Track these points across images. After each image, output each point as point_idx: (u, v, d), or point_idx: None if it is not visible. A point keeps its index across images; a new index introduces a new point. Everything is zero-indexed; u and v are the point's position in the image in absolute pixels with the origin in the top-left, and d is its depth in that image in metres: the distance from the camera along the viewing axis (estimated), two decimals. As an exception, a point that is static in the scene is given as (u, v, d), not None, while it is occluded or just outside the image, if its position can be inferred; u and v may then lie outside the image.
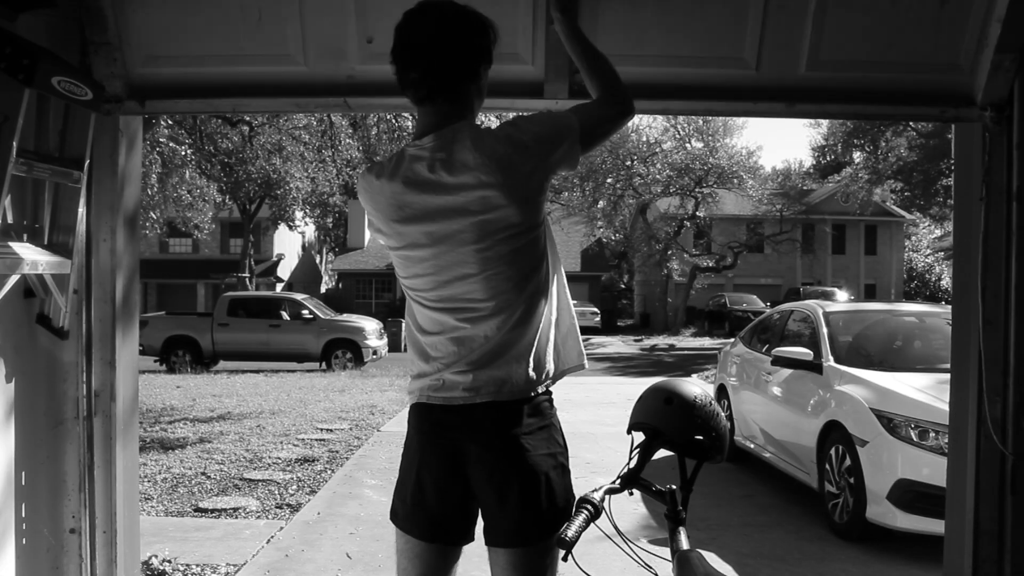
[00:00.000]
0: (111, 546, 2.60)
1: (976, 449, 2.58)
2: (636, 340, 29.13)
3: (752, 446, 6.56)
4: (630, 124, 33.32)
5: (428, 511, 1.78)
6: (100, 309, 2.59)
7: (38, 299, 2.38)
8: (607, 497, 1.57)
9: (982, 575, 2.58)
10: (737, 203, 35.91)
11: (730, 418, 6.97)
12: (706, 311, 32.78)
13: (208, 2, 2.46)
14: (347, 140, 12.52)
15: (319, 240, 48.15)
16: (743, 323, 19.23)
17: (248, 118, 12.56)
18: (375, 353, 16.83)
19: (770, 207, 34.70)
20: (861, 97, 2.60)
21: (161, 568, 3.97)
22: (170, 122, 11.72)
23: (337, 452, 7.12)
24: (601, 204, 34.63)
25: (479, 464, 1.73)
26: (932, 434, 4.40)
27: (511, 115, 2.03)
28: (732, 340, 8.27)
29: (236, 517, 5.05)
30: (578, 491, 1.61)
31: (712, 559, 3.58)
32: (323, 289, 44.28)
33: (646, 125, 34.44)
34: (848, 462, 4.78)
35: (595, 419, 9.15)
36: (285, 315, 17.23)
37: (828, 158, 46.51)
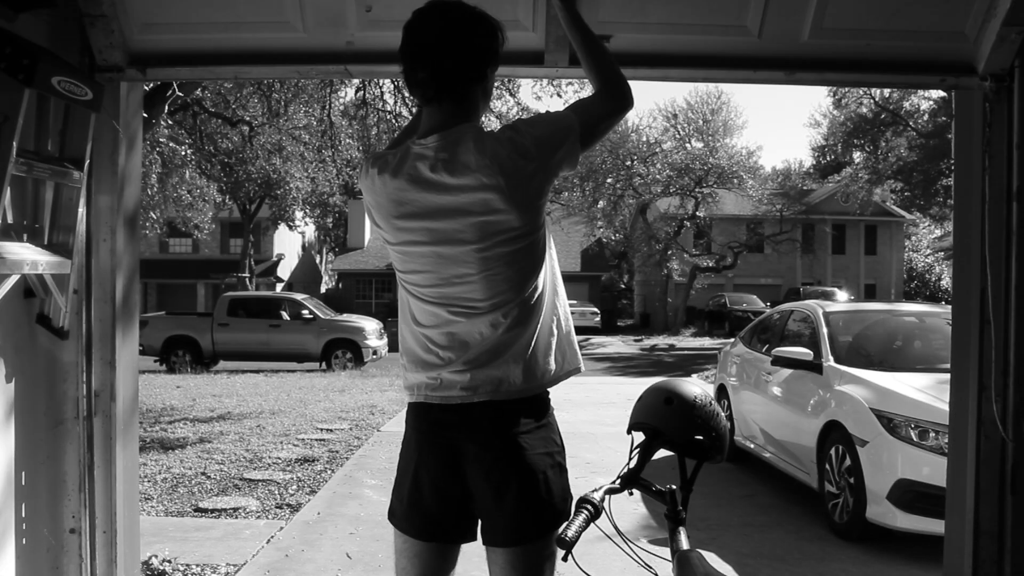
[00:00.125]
0: (111, 546, 2.60)
1: (976, 449, 2.58)
2: (636, 340, 29.13)
3: (752, 446, 6.56)
4: (630, 124, 33.40)
5: (426, 510, 1.78)
6: (100, 309, 2.59)
7: (38, 299, 2.38)
8: (607, 497, 1.57)
9: (982, 575, 2.58)
10: (737, 203, 35.91)
11: (730, 418, 6.97)
12: (706, 311, 32.77)
13: None
14: (347, 140, 12.52)
15: (319, 240, 48.16)
16: (743, 323, 19.23)
17: (248, 118, 12.56)
18: (375, 353, 16.83)
19: (770, 207, 34.71)
20: (861, 65, 2.60)
21: (161, 568, 3.97)
22: (170, 122, 11.72)
23: (337, 452, 7.12)
24: (601, 204, 34.63)
25: (477, 463, 1.73)
26: (932, 434, 4.40)
27: (512, 119, 2.02)
28: (732, 340, 8.27)
29: (236, 517, 5.05)
30: (578, 491, 1.61)
31: (712, 559, 3.58)
32: (323, 289, 44.29)
33: (646, 125, 34.49)
34: (848, 462, 4.78)
35: (595, 419, 9.15)
36: (285, 315, 17.23)
37: (828, 158, 46.51)
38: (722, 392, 7.45)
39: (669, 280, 34.50)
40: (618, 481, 1.65)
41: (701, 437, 1.72)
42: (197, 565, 4.08)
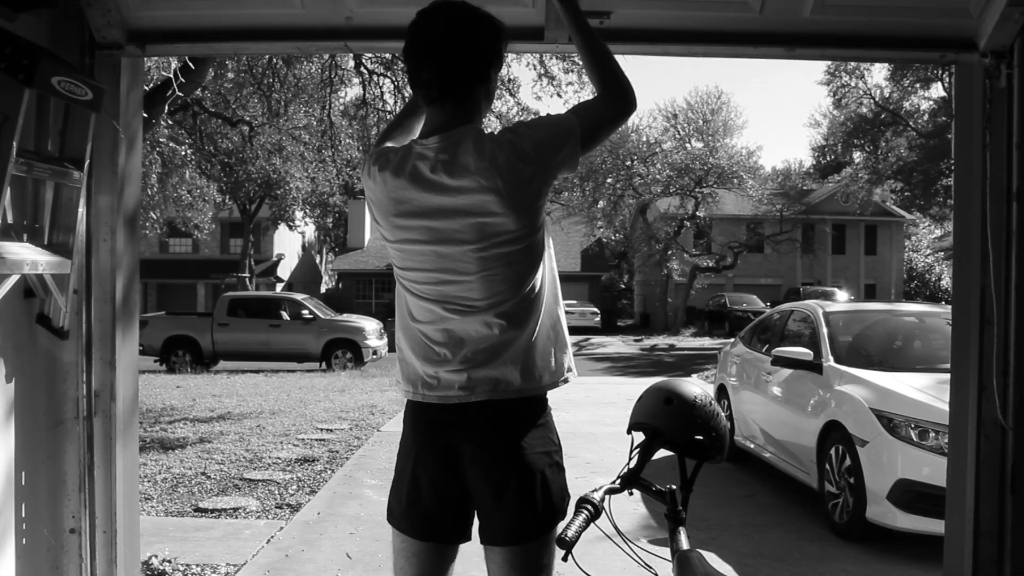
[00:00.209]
0: (111, 546, 2.60)
1: (976, 449, 2.58)
2: (636, 340, 29.13)
3: (752, 446, 6.56)
4: (630, 124, 33.36)
5: (423, 510, 1.78)
6: (100, 309, 2.59)
7: (38, 299, 2.38)
8: (607, 497, 1.57)
9: (982, 575, 2.59)
10: (737, 203, 35.92)
11: (730, 418, 6.97)
12: (706, 311, 32.77)
13: None
14: (347, 140, 12.53)
15: (319, 240, 48.17)
16: (743, 323, 19.23)
17: (248, 118, 12.56)
18: (375, 353, 16.83)
19: (770, 207, 34.72)
20: (863, 41, 2.60)
21: (161, 568, 3.97)
22: (170, 122, 11.71)
23: (337, 452, 7.12)
24: (601, 204, 34.64)
25: (474, 462, 1.73)
26: (932, 434, 4.40)
27: (512, 119, 2.01)
28: (732, 340, 8.27)
29: (236, 517, 5.05)
30: (578, 491, 1.61)
31: (712, 559, 3.58)
32: (323, 289, 44.30)
33: (646, 125, 34.48)
34: (848, 462, 4.78)
35: (595, 419, 9.15)
36: (285, 315, 17.23)
37: (828, 158, 46.52)
38: (722, 392, 7.45)
39: (669, 280, 34.50)
40: (618, 481, 1.65)
41: (701, 437, 1.72)
42: (197, 565, 4.08)
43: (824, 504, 5.07)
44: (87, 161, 2.36)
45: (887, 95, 31.83)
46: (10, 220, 2.20)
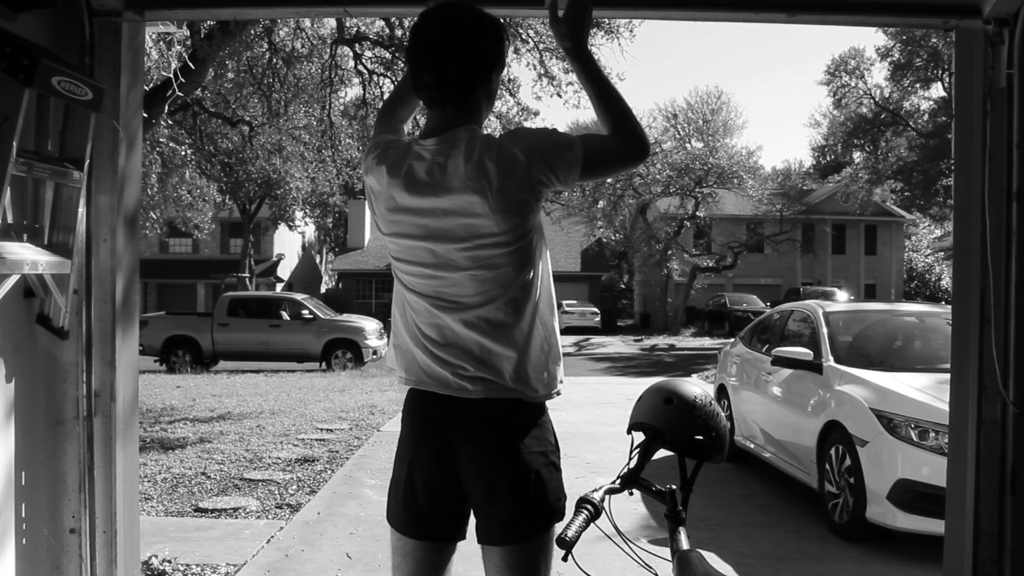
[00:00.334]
0: (111, 546, 2.60)
1: (976, 449, 2.58)
2: (636, 340, 29.13)
3: (752, 446, 6.56)
4: (630, 124, 33.36)
5: (419, 508, 1.79)
6: (100, 309, 2.59)
7: (38, 299, 2.38)
8: (607, 497, 1.57)
9: (982, 575, 2.58)
10: (737, 203, 35.93)
11: (730, 418, 6.98)
12: (706, 311, 32.78)
13: None
14: (347, 140, 12.53)
15: (319, 240, 48.19)
16: (743, 323, 19.24)
17: (248, 118, 12.56)
18: (375, 353, 16.83)
19: (770, 207, 34.73)
20: (864, 7, 2.57)
21: (161, 568, 3.97)
22: (170, 122, 11.72)
23: (337, 452, 7.12)
24: (601, 204, 34.62)
25: (470, 461, 1.74)
26: (932, 434, 4.40)
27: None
28: (732, 340, 8.27)
29: (236, 517, 5.05)
30: (578, 491, 1.61)
31: (712, 559, 3.58)
32: (323, 289, 44.31)
33: (646, 125, 34.44)
34: (848, 462, 4.78)
35: (595, 419, 9.15)
36: (285, 315, 17.24)
37: (828, 158, 46.57)
38: (722, 392, 7.45)
39: (669, 280, 34.51)
40: (618, 481, 1.65)
41: (701, 437, 1.72)
42: (197, 565, 4.08)
43: (824, 504, 5.07)
44: (87, 161, 2.36)
45: (887, 95, 31.85)
46: (10, 220, 2.20)
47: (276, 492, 5.68)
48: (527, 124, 11.14)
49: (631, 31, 9.55)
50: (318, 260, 47.76)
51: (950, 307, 3.28)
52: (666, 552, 1.68)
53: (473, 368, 1.72)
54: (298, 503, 5.39)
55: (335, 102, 11.28)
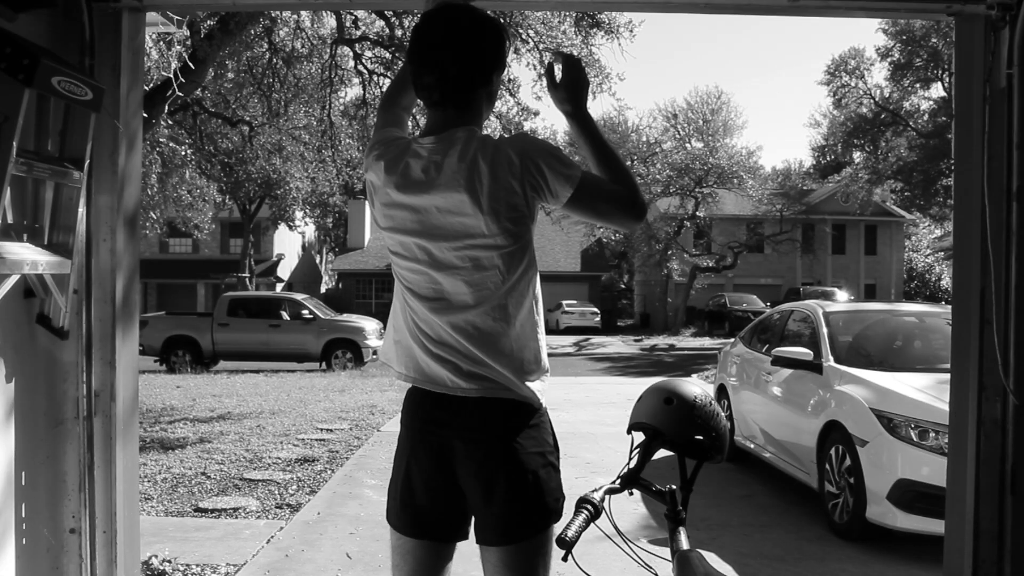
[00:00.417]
0: (111, 546, 2.60)
1: (976, 449, 2.58)
2: (636, 340, 29.13)
3: (752, 446, 6.56)
4: (630, 124, 33.40)
5: (417, 508, 1.79)
6: (100, 309, 2.59)
7: (38, 299, 2.38)
8: (607, 497, 1.57)
9: (982, 575, 2.58)
10: (737, 203, 35.93)
11: (730, 418, 6.98)
12: (706, 311, 32.78)
13: None
14: (347, 140, 12.53)
15: (319, 240, 48.19)
16: (743, 323, 19.25)
17: (248, 118, 12.56)
18: (375, 353, 16.81)
19: (770, 207, 34.73)
20: None
21: (161, 568, 3.97)
22: (170, 122, 11.72)
23: (337, 452, 7.12)
24: (601, 204, 34.55)
25: (467, 461, 1.74)
26: (932, 434, 4.40)
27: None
28: (732, 340, 8.27)
29: (236, 517, 5.05)
30: (578, 491, 1.61)
31: (712, 559, 3.58)
32: (323, 289, 44.32)
33: (646, 125, 34.50)
34: (848, 462, 4.78)
35: (595, 419, 9.15)
36: (285, 315, 17.23)
37: (828, 158, 46.57)
38: (722, 392, 7.45)
39: (669, 280, 34.51)
40: (618, 481, 1.65)
41: (701, 437, 1.72)
42: (197, 565, 4.08)
43: (824, 504, 5.07)
44: (87, 161, 2.36)
45: (887, 95, 31.86)
46: (10, 220, 2.20)
47: (276, 492, 5.68)
48: (527, 124, 11.15)
49: (631, 31, 9.53)
50: (318, 260, 47.77)
51: (950, 307, 3.28)
52: (666, 552, 1.68)
53: (467, 367, 1.73)
54: (298, 503, 5.39)
55: (335, 102, 11.28)
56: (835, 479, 4.94)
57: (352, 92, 12.82)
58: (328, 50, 10.30)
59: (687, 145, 33.88)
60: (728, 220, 37.00)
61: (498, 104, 10.59)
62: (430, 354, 1.77)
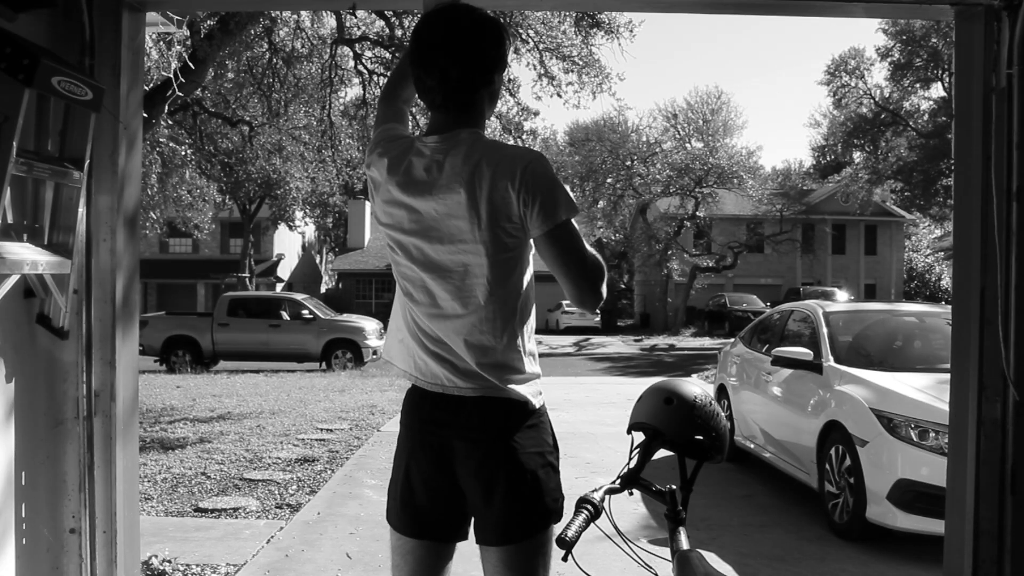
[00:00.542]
0: (111, 546, 2.60)
1: (976, 449, 2.58)
2: (636, 340, 29.13)
3: (752, 446, 6.56)
4: (630, 124, 33.39)
5: (417, 508, 1.79)
6: (100, 309, 2.59)
7: (38, 299, 2.38)
8: (607, 497, 1.57)
9: (982, 575, 2.58)
10: (737, 203, 35.93)
11: (730, 418, 6.97)
12: (706, 311, 32.78)
13: None
14: (347, 140, 12.54)
15: (319, 240, 48.19)
16: (743, 323, 19.24)
17: (248, 118, 12.56)
18: (375, 353, 16.83)
19: (770, 207, 34.73)
20: None
21: (161, 568, 3.97)
22: (170, 122, 11.72)
23: (337, 452, 7.12)
24: (601, 204, 34.65)
25: (467, 461, 1.74)
26: (932, 434, 4.40)
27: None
28: (732, 340, 8.27)
29: (236, 517, 5.05)
30: (578, 491, 1.61)
31: (712, 559, 3.58)
32: (323, 289, 44.31)
33: (646, 125, 34.51)
34: (848, 462, 4.78)
35: (595, 419, 9.15)
36: (285, 315, 17.23)
37: (828, 158, 46.57)
38: (722, 392, 7.45)
39: (669, 280, 34.51)
40: (618, 481, 1.65)
41: (701, 437, 1.72)
42: (197, 565, 4.08)
43: (824, 504, 5.07)
44: (87, 161, 2.36)
45: (887, 95, 31.86)
46: (10, 220, 2.20)
47: (276, 492, 5.68)
48: (527, 124, 11.15)
49: (631, 31, 9.53)
50: (318, 260, 47.77)
51: (950, 307, 3.28)
52: (666, 552, 1.68)
53: (463, 365, 1.73)
54: (298, 503, 5.39)
55: (335, 102, 11.28)
56: (835, 479, 4.94)
57: (352, 92, 12.82)
58: (328, 50, 10.30)
59: (687, 145, 33.90)
60: (728, 220, 37.00)
61: (498, 104, 10.59)
62: (428, 352, 1.77)
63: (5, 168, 1.95)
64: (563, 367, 17.69)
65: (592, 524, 1.53)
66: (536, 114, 10.92)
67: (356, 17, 10.01)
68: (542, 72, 10.02)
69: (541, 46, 9.74)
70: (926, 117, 31.08)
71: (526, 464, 1.71)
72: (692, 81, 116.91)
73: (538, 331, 1.85)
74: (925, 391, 4.76)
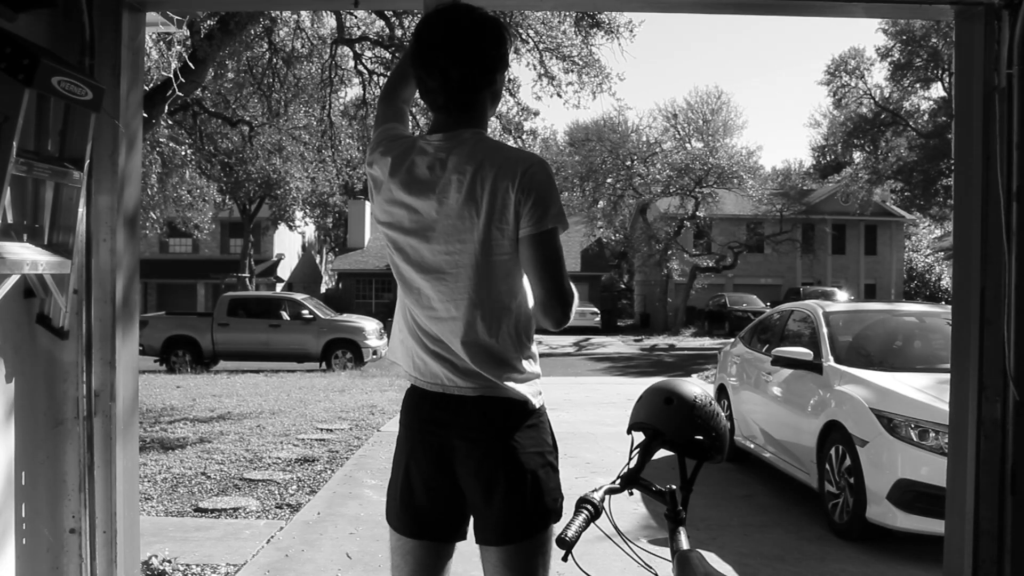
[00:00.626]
0: (111, 546, 2.60)
1: (976, 449, 2.58)
2: (636, 340, 29.13)
3: (752, 446, 6.56)
4: (630, 124, 33.39)
5: (416, 508, 1.79)
6: (100, 309, 2.59)
7: (38, 299, 2.38)
8: (607, 497, 1.57)
9: (982, 575, 2.58)
10: (737, 203, 35.92)
11: (730, 418, 6.97)
12: (706, 311, 32.78)
13: None
14: (347, 140, 12.54)
15: (319, 240, 48.18)
16: (743, 323, 19.24)
17: (248, 118, 12.56)
18: (375, 353, 16.83)
19: (770, 207, 34.72)
20: None
21: (161, 568, 3.97)
22: (170, 122, 11.72)
23: (337, 452, 7.12)
24: (601, 204, 34.65)
25: (466, 461, 1.74)
26: (932, 434, 4.40)
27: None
28: (732, 340, 8.27)
29: (236, 517, 5.05)
30: (578, 491, 1.61)
31: (712, 559, 3.58)
32: (323, 289, 44.31)
33: (646, 125, 34.50)
34: (848, 462, 4.78)
35: (595, 419, 9.15)
36: (285, 315, 17.23)
37: (828, 158, 46.57)
38: (722, 392, 7.45)
39: (669, 280, 34.50)
40: (618, 481, 1.65)
41: (701, 437, 1.72)
42: (197, 565, 4.08)
43: (824, 504, 5.07)
44: (87, 161, 2.36)
45: (887, 95, 31.86)
46: (10, 220, 2.20)
47: (276, 492, 5.68)
48: (527, 124, 11.16)
49: (631, 31, 9.53)
50: (318, 260, 47.76)
51: (950, 307, 3.28)
52: (666, 552, 1.68)
53: (462, 364, 1.74)
54: (298, 503, 5.39)
55: (335, 102, 11.29)
56: (835, 479, 4.94)
57: (352, 92, 12.83)
58: (328, 50, 10.31)
59: (687, 145, 33.90)
60: (728, 220, 37.00)
61: (498, 104, 10.59)
62: (428, 351, 1.77)
63: (5, 168, 1.95)
64: (563, 367, 17.69)
65: (592, 524, 1.53)
66: (536, 114, 10.95)
67: (356, 17, 10.01)
68: (542, 72, 10.02)
69: (541, 46, 9.74)
70: (926, 117, 31.08)
71: (526, 464, 1.72)
72: (692, 81, 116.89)
73: (538, 331, 1.85)
74: (925, 391, 4.76)
